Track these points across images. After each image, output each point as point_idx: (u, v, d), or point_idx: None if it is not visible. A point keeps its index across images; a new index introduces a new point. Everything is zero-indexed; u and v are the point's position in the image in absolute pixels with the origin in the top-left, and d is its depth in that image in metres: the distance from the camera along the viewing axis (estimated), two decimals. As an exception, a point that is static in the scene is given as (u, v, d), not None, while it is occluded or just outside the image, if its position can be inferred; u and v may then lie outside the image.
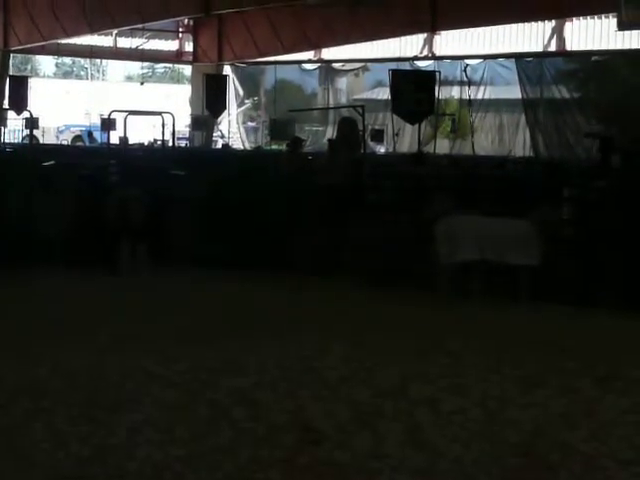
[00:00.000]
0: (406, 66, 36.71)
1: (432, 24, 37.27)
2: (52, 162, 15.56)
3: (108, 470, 5.75)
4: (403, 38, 39.20)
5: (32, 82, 39.01)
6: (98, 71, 58.83)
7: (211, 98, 35.39)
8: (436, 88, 23.94)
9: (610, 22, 32.64)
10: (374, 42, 39.74)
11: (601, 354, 8.95)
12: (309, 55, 43.01)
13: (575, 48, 35.92)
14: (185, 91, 48.69)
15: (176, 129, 22.04)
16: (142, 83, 48.11)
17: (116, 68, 59.48)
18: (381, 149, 37.81)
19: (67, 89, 55.47)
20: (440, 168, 18.97)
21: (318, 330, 9.61)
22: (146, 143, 37.34)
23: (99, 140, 40.88)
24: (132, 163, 17.31)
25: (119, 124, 25.31)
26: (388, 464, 5.93)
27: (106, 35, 43.06)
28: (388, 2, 31.13)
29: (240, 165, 20.07)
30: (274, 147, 34.57)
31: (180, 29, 45.42)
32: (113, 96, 45.84)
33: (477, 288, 12.08)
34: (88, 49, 43.52)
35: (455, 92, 38.67)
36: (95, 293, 11.80)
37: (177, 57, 46.59)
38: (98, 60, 52.54)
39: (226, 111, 38.52)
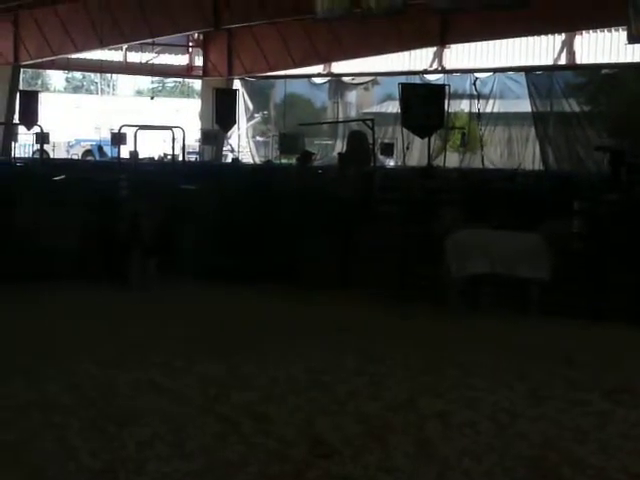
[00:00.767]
0: (416, 79, 36.80)
1: (441, 37, 37.39)
2: (63, 177, 15.60)
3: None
4: (413, 52, 39.33)
5: (42, 97, 39.19)
6: (108, 85, 59.14)
7: (221, 112, 35.48)
8: (446, 101, 23.99)
9: (620, 35, 32.67)
10: (384, 56, 39.85)
11: (611, 367, 8.94)
12: (319, 69, 43.11)
13: (585, 61, 35.98)
14: (195, 105, 48.86)
15: (186, 143, 22.10)
16: (152, 97, 48.30)
17: (126, 83, 59.81)
18: (390, 162, 37.85)
19: (77, 104, 55.78)
20: (450, 181, 18.98)
21: (327, 343, 9.61)
22: (156, 157, 37.46)
23: (109, 154, 41.01)
24: (142, 177, 17.34)
25: (129, 138, 25.44)
26: (398, 477, 5.92)
27: (116, 50, 43.25)
28: (397, 16, 31.13)
29: (250, 179, 20.10)
30: (284, 161, 34.61)
31: (190, 43, 45.59)
32: (123, 110, 46.09)
33: (487, 301, 12.08)
34: (98, 64, 43.70)
35: (465, 105, 38.71)
36: (105, 307, 11.81)
37: (187, 71, 46.75)
38: (108, 75, 52.85)
39: (236, 125, 38.60)
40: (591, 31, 35.43)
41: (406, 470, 6.02)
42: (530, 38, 36.58)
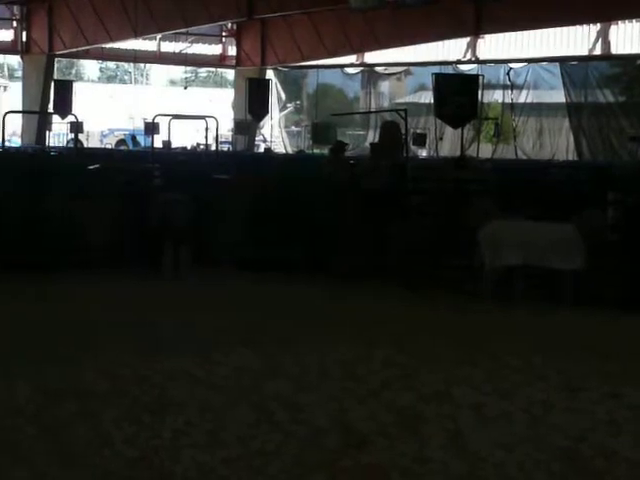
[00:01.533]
0: (449, 70, 36.67)
1: (475, 28, 37.21)
2: (97, 165, 15.66)
3: (153, 472, 5.79)
4: (446, 42, 39.17)
5: (76, 86, 39.33)
6: (142, 75, 59.30)
7: (254, 102, 35.46)
8: (479, 92, 23.87)
9: (656, 25, 32.47)
10: (417, 46, 39.73)
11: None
12: (351, 59, 43.05)
13: (620, 51, 35.71)
14: (228, 95, 48.90)
15: (219, 133, 22.15)
16: (185, 87, 48.31)
17: (159, 72, 59.94)
18: (423, 153, 37.76)
19: (111, 93, 56.04)
20: (483, 172, 18.88)
21: (360, 334, 9.62)
22: (189, 147, 37.55)
23: (142, 144, 41.15)
24: (176, 167, 17.38)
25: (163, 128, 25.49)
26: (431, 468, 5.92)
27: (150, 40, 43.34)
28: (431, 6, 31.05)
29: (283, 169, 20.11)
30: (316, 151, 34.58)
31: (223, 33, 45.62)
32: (156, 100, 46.20)
33: (520, 292, 12.05)
34: (132, 53, 43.80)
35: (498, 96, 38.54)
36: (138, 296, 11.87)
37: (220, 61, 46.78)
38: (142, 64, 52.96)
39: (268, 115, 38.61)
40: (627, 21, 35.15)
41: (439, 460, 6.02)
42: (565, 28, 36.35)
